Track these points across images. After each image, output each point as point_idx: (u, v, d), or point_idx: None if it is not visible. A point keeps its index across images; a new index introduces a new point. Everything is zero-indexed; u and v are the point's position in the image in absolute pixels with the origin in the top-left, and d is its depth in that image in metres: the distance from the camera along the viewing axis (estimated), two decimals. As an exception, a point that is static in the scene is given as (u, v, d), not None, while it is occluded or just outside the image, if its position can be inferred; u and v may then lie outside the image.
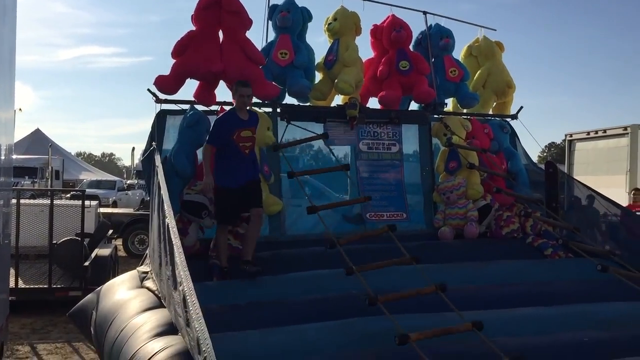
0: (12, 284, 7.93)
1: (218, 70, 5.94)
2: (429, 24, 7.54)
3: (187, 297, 3.47)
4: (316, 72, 6.99)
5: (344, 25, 6.84)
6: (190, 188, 5.73)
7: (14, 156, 7.39)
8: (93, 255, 9.03)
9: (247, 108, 5.54)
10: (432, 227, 6.89)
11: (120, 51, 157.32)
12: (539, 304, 5.05)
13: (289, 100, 6.83)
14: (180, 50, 6.00)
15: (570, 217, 7.01)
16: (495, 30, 8.00)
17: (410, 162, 7.22)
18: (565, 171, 14.56)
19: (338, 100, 7.22)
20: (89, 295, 6.31)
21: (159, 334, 4.21)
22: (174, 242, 3.98)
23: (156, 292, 5.09)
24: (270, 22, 6.81)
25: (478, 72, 7.82)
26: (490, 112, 7.88)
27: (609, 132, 14.72)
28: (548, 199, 6.83)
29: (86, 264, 8.55)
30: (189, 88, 6.19)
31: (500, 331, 4.40)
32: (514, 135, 7.63)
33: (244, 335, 4.19)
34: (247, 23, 6.18)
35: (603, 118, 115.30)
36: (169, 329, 4.25)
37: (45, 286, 8.59)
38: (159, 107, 6.15)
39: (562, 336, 4.48)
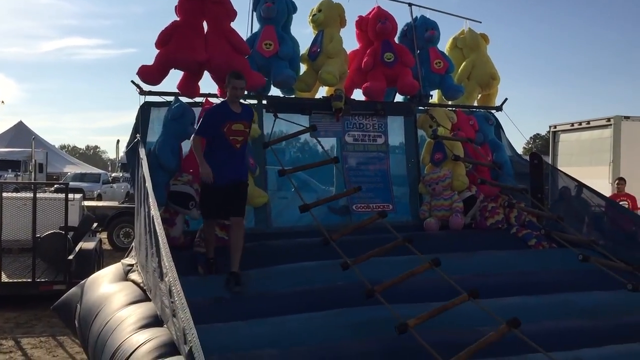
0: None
1: (203, 60, 5.90)
2: (414, 16, 7.55)
3: (173, 287, 3.47)
4: (300, 64, 6.97)
5: (328, 17, 6.83)
6: (177, 179, 5.70)
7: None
8: (77, 248, 8.97)
9: (240, 101, 5.40)
10: (418, 219, 6.92)
11: (104, 43, 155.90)
12: (523, 293, 5.11)
13: (273, 91, 6.82)
14: (164, 40, 5.95)
15: (556, 208, 7.06)
16: (480, 22, 8.04)
17: (396, 154, 7.23)
18: (550, 162, 14.69)
19: (323, 91, 7.23)
20: (73, 289, 6.27)
21: (143, 327, 4.20)
22: (159, 234, 3.97)
23: (141, 284, 5.07)
24: (254, 13, 6.77)
25: (463, 64, 7.84)
26: (475, 104, 7.92)
27: (592, 124, 14.86)
28: (533, 189, 6.88)
29: (70, 257, 8.50)
30: (173, 80, 6.15)
31: (485, 321, 4.44)
32: (498, 126, 7.68)
33: (229, 326, 4.19)
34: (232, 13, 6.15)
35: (587, 110, 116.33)
36: (153, 322, 4.24)
37: (29, 280, 8.53)
38: (143, 99, 6.10)
39: (545, 325, 4.53)
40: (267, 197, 6.26)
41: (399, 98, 7.57)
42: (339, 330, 4.22)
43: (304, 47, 6.96)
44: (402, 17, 7.43)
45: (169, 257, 3.70)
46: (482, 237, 6.61)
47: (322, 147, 6.49)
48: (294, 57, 6.78)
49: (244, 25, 6.77)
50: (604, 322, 4.70)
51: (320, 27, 6.88)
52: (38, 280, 8.54)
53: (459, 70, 7.80)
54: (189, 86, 6.19)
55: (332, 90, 6.85)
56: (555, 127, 16.12)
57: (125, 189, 24.11)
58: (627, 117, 14.21)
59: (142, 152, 5.41)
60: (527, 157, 7.72)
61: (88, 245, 9.46)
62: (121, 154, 30.01)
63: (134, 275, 5.37)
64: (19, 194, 11.15)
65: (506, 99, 7.76)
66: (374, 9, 7.22)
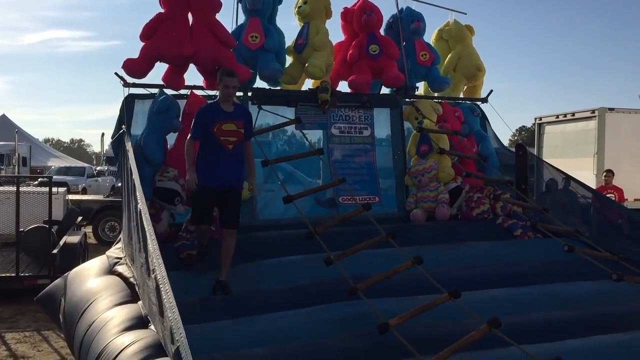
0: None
1: (189, 54, 5.85)
2: (399, 8, 7.53)
3: (161, 286, 3.44)
4: (286, 56, 6.94)
5: (314, 9, 6.79)
6: (163, 175, 5.65)
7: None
8: (62, 242, 8.91)
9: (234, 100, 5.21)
10: (404, 211, 6.94)
11: (88, 35, 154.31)
12: (509, 284, 5.15)
13: (259, 84, 6.77)
14: (149, 33, 5.89)
15: (542, 200, 7.11)
16: (466, 14, 8.04)
17: (382, 146, 7.24)
18: (535, 154, 14.78)
19: (309, 84, 7.20)
20: (57, 281, 6.23)
21: (128, 329, 4.15)
22: (146, 229, 3.93)
23: (131, 279, 5.02)
24: (239, 5, 6.72)
25: (449, 56, 7.85)
26: (461, 96, 7.93)
27: (577, 116, 14.96)
28: (518, 181, 6.91)
29: (55, 251, 8.43)
30: (158, 72, 6.10)
31: (468, 315, 4.47)
32: (484, 118, 7.70)
33: (216, 325, 4.17)
34: (217, 5, 6.10)
35: (574, 102, 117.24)
36: (137, 323, 4.20)
37: (13, 274, 8.46)
38: (127, 91, 6.04)
39: (530, 316, 4.56)
40: (253, 191, 6.22)
41: (385, 90, 7.56)
42: (326, 326, 4.22)
43: (289, 40, 6.94)
44: (387, 9, 7.43)
45: (157, 254, 3.67)
46: (468, 227, 6.64)
47: (307, 140, 6.45)
48: (280, 50, 6.74)
49: (229, 17, 6.72)
50: (589, 313, 4.74)
51: (306, 19, 6.84)
52: (22, 274, 8.47)
53: (445, 62, 7.80)
54: (174, 78, 6.14)
55: (318, 83, 6.82)
56: (540, 119, 16.22)
57: (111, 183, 23.94)
58: (611, 109, 14.33)
59: (129, 145, 5.35)
60: (513, 149, 7.75)
61: (73, 239, 9.39)
62: (106, 147, 29.89)
63: (121, 269, 5.32)
64: (2, 188, 11.06)
65: (491, 91, 7.79)
66: (359, 0, 7.19)
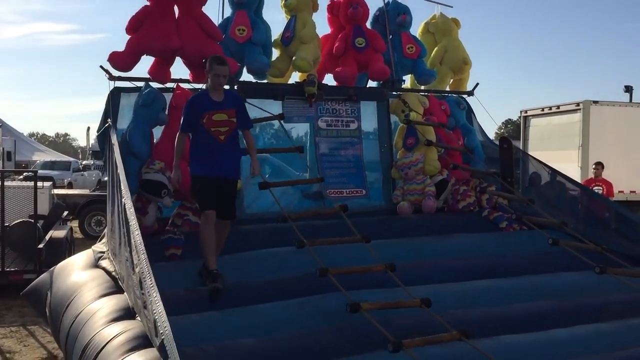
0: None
1: (176, 47, 5.82)
2: (386, 1, 7.53)
3: (144, 280, 3.44)
4: (273, 49, 6.92)
5: (301, 2, 6.76)
6: (149, 167, 5.63)
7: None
8: (47, 237, 8.86)
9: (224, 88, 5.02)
10: (391, 203, 6.97)
11: (74, 28, 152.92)
12: (494, 276, 5.21)
13: (246, 77, 6.76)
14: (135, 25, 5.85)
15: (527, 194, 7.17)
16: (452, 7, 8.04)
17: (369, 139, 7.25)
18: (521, 147, 14.89)
19: (295, 77, 7.19)
20: (43, 275, 6.21)
21: (115, 320, 4.15)
22: (131, 224, 3.93)
23: (113, 273, 5.01)
24: (226, -2, 6.69)
25: (435, 49, 7.87)
26: (447, 89, 7.96)
27: (562, 108, 15.11)
28: (503, 173, 6.97)
29: (40, 246, 8.39)
30: (143, 65, 6.07)
31: (456, 304, 4.53)
32: (470, 111, 7.74)
33: (203, 317, 4.17)
34: (203, -2, 6.06)
35: (559, 94, 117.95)
36: (125, 314, 4.19)
37: (-1, 269, 8.39)
38: (112, 84, 6.01)
39: (515, 307, 4.62)
40: (240, 183, 6.22)
41: (372, 83, 7.58)
42: (313, 318, 4.24)
43: (276, 33, 6.91)
44: (374, 2, 7.42)
45: (141, 248, 3.67)
46: (455, 220, 6.69)
47: (289, 136, 6.32)
48: (267, 43, 6.72)
49: (215, 10, 6.68)
50: (572, 304, 4.81)
51: (293, 12, 6.82)
52: (7, 269, 8.43)
53: (432, 55, 7.82)
54: (160, 71, 6.10)
55: (305, 76, 6.82)
56: (526, 112, 16.34)
57: (97, 177, 23.77)
58: (595, 102, 14.48)
59: (114, 138, 5.33)
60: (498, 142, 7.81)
61: (58, 233, 9.34)
62: (92, 141, 29.67)
63: (104, 263, 5.31)
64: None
65: (477, 84, 7.83)
66: (346, -7, 7.17)
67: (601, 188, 9.37)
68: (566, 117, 14.92)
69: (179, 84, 6.15)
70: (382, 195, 7.14)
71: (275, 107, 6.63)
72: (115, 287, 4.85)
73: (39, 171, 17.40)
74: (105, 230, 6.05)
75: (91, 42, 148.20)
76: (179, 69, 6.22)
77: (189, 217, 5.65)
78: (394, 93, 7.34)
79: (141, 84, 6.00)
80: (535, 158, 7.54)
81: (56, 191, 13.57)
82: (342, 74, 6.96)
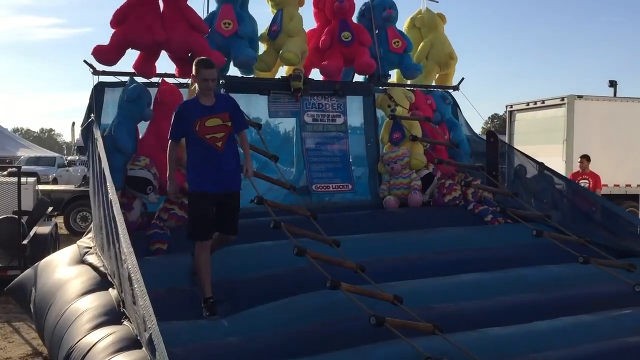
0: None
1: (161, 40, 5.78)
2: (372, -5, 7.53)
3: (132, 275, 3.44)
4: (260, 43, 6.91)
5: (287, -5, 6.76)
6: (134, 163, 5.60)
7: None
8: (32, 233, 8.79)
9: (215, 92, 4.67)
10: (377, 198, 7.00)
11: (58, 22, 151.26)
12: (479, 269, 5.25)
13: (232, 71, 6.74)
14: (120, 19, 5.81)
15: (513, 187, 7.22)
16: (438, 2, 8.07)
17: (355, 134, 7.27)
18: (507, 141, 14.98)
19: (282, 72, 7.18)
20: (27, 271, 6.19)
21: (100, 325, 4.11)
22: (117, 219, 3.91)
23: (101, 268, 4.98)
24: (211, -8, 6.65)
25: (421, 44, 7.89)
26: (433, 84, 7.99)
27: (547, 103, 15.21)
28: (488, 167, 7.01)
29: (25, 242, 8.32)
30: (128, 60, 6.02)
31: (441, 298, 4.56)
32: (455, 106, 7.78)
33: (189, 314, 4.17)
34: (188, -9, 6.03)
35: (545, 88, 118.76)
36: (110, 318, 4.16)
37: (-18, 266, 8.31)
38: (96, 79, 5.96)
39: (499, 300, 4.67)
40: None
41: (358, 78, 7.59)
42: (300, 315, 4.25)
43: (262, 27, 6.90)
44: (360, -4, 7.42)
45: (128, 243, 3.66)
46: (440, 213, 6.74)
47: (264, 144, 6.07)
48: (253, 36, 6.71)
49: (200, 3, 6.65)
50: (556, 295, 4.87)
51: (279, 6, 6.81)
52: (-9, 266, 8.33)
53: (418, 49, 7.84)
54: (145, 66, 6.07)
55: (292, 70, 6.81)
56: (511, 106, 16.44)
57: (82, 173, 23.56)
58: (580, 96, 14.59)
59: (97, 133, 5.29)
60: (485, 136, 7.85)
61: (43, 229, 9.27)
62: (77, 136, 29.34)
63: (91, 258, 5.28)
64: (-31, 179, 10.81)
65: (463, 79, 7.87)
66: (332, -13, 7.16)
67: (588, 181, 9.41)
68: (551, 112, 15.02)
69: (165, 78, 6.12)
70: (368, 189, 7.17)
71: (261, 102, 6.63)
72: (101, 283, 4.82)
73: (24, 167, 17.25)
74: (92, 226, 6.02)
75: (76, 36, 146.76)
76: (165, 64, 6.20)
77: (175, 211, 5.63)
78: (380, 88, 7.36)
79: (126, 78, 5.96)
80: (521, 152, 7.60)
81: (41, 187, 13.42)
82: (328, 67, 6.96)
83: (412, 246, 5.69)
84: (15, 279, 6.29)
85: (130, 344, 3.65)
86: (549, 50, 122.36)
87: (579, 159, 9.87)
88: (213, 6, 6.63)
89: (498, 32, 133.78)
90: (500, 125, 46.66)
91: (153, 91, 5.91)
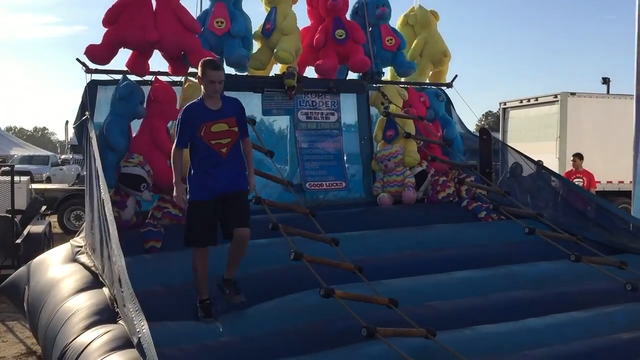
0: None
1: (153, 40, 5.77)
2: (365, -7, 7.53)
3: (121, 277, 3.43)
4: (254, 42, 6.90)
5: (280, -7, 6.75)
6: (128, 160, 5.59)
7: None
8: (25, 232, 8.75)
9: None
10: (371, 195, 7.01)
11: (52, 20, 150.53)
12: (473, 266, 5.27)
13: (226, 70, 6.70)
14: (113, 18, 5.79)
15: (509, 184, 7.25)
16: None
17: (349, 132, 7.28)
18: (500, 139, 15.02)
19: (276, 70, 7.18)
20: (20, 269, 6.17)
21: (94, 324, 4.10)
22: (109, 220, 3.91)
23: (92, 267, 4.98)
24: (205, -10, 6.64)
25: (415, 42, 7.90)
26: (427, 81, 8.00)
27: (540, 100, 15.25)
28: (481, 164, 7.04)
29: (18, 241, 8.29)
30: (121, 58, 6.01)
31: (435, 295, 4.57)
32: (449, 103, 7.79)
33: (182, 314, 4.16)
34: (181, -10, 6.02)
35: (537, 86, 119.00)
36: (103, 317, 4.15)
37: (-25, 265, 8.27)
38: (89, 77, 5.95)
39: (492, 298, 4.68)
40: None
41: (352, 75, 7.59)
42: (294, 315, 4.25)
43: (256, 25, 6.89)
44: (353, -6, 7.41)
45: (118, 245, 3.65)
46: (434, 210, 6.75)
47: (260, 140, 6.07)
48: (247, 35, 6.70)
49: (193, 2, 6.64)
50: (548, 292, 4.89)
51: (272, 4, 6.81)
52: (-15, 265, 8.29)
53: (412, 47, 7.85)
54: (138, 64, 6.06)
55: (285, 68, 6.81)
56: (505, 104, 16.48)
57: (76, 171, 23.53)
58: (573, 94, 14.64)
59: (92, 130, 5.27)
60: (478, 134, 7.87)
61: (37, 228, 9.23)
62: (70, 135, 29.29)
63: (83, 258, 5.27)
64: (-38, 178, 10.76)
65: (456, 76, 7.87)
66: (325, -15, 7.16)
67: (582, 180, 9.43)
68: (544, 109, 15.07)
69: (158, 76, 6.10)
70: (362, 187, 7.18)
71: (255, 100, 6.62)
72: (94, 281, 4.81)
73: (17, 165, 17.18)
74: (84, 225, 6.02)
75: (70, 34, 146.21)
76: (158, 62, 6.18)
77: (169, 209, 5.64)
78: (373, 85, 7.36)
79: (119, 76, 5.95)
80: (514, 149, 7.62)
81: (35, 186, 13.38)
82: (323, 66, 6.96)
83: (405, 243, 5.70)
84: (8, 278, 6.28)
85: (124, 343, 3.64)
86: (542, 47, 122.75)
87: (572, 158, 9.89)
88: (207, 4, 6.62)
89: (491, 30, 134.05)
90: (494, 122, 46.80)
91: (147, 89, 5.89)
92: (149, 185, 5.55)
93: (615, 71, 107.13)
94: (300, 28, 7.05)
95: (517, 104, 15.99)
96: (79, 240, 5.75)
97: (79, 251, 5.45)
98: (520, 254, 5.60)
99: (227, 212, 4.22)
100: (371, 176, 7.17)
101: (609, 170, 13.88)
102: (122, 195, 5.52)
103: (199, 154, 4.24)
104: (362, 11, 7.44)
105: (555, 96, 14.69)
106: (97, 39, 5.79)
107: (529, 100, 15.61)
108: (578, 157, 9.73)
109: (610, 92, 19.08)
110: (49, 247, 9.04)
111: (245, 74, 6.84)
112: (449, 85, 7.85)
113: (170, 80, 6.21)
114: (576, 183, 9.03)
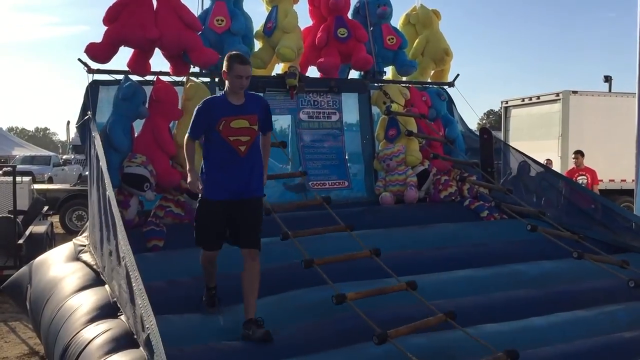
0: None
1: (154, 37, 5.76)
2: (366, -8, 7.52)
3: (130, 273, 3.43)
4: (255, 41, 6.91)
5: (281, -8, 6.75)
6: (131, 160, 5.60)
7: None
8: (27, 232, 8.78)
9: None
10: (373, 195, 7.01)
11: (53, 20, 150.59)
12: (475, 265, 5.26)
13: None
14: (113, 16, 5.79)
15: (514, 182, 7.23)
16: None
17: (351, 131, 7.28)
18: (502, 137, 15.02)
19: (278, 69, 7.18)
20: (23, 268, 6.18)
21: (96, 318, 4.10)
22: (115, 216, 3.90)
23: (94, 266, 4.99)
24: (205, -11, 6.64)
25: (416, 40, 7.89)
26: (428, 80, 7.99)
27: (542, 99, 15.23)
28: (483, 163, 7.03)
29: (20, 241, 8.31)
30: (122, 58, 6.01)
31: (437, 294, 4.56)
32: (450, 102, 7.78)
33: (184, 317, 4.15)
34: (181, -12, 6.01)
35: (539, 84, 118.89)
36: (105, 312, 4.15)
37: (-22, 266, 8.28)
38: (91, 77, 5.96)
39: (495, 297, 4.67)
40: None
41: (353, 75, 7.58)
42: (295, 313, 4.24)
43: (257, 24, 6.90)
44: (354, -7, 7.40)
45: (125, 241, 3.64)
46: (436, 209, 6.75)
47: (275, 137, 6.18)
48: (247, 33, 6.70)
49: (194, 1, 6.65)
50: (550, 291, 4.87)
51: (274, 2, 6.81)
52: (-13, 266, 8.30)
53: (414, 46, 7.85)
54: (139, 64, 6.06)
55: (287, 68, 6.81)
56: (506, 102, 16.46)
57: (77, 172, 23.56)
58: (575, 92, 14.61)
59: (95, 130, 5.28)
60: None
61: (39, 228, 9.26)
62: (72, 135, 29.31)
63: (85, 256, 5.28)
64: (-36, 178, 10.78)
65: (458, 75, 7.86)
66: (326, -16, 7.16)
67: (585, 177, 9.40)
68: (546, 107, 15.05)
69: (160, 76, 6.10)
70: (364, 186, 7.18)
71: (256, 99, 6.60)
72: (97, 279, 4.82)
73: (19, 166, 17.21)
74: (87, 224, 6.02)
75: (71, 34, 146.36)
76: (160, 62, 6.18)
77: (171, 208, 5.67)
78: (375, 84, 7.36)
79: (120, 77, 5.95)
80: (515, 149, 7.61)
81: (36, 186, 13.42)
82: (325, 65, 6.96)
83: (408, 242, 5.69)
84: (11, 277, 6.29)
85: (126, 342, 3.64)
86: (543, 46, 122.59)
87: (574, 155, 9.87)
88: (207, 3, 6.62)
89: (493, 28, 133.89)
90: (495, 121, 46.72)
91: (148, 89, 5.90)
92: (152, 185, 5.57)
93: (617, 69, 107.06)
94: (302, 28, 7.06)
95: (519, 102, 15.97)
96: (82, 239, 5.76)
97: (82, 250, 5.46)
98: (523, 253, 5.58)
99: (238, 221, 4.01)
100: (373, 175, 7.17)
101: (611, 168, 13.87)
102: (125, 195, 5.53)
103: (215, 149, 4.02)
104: (364, 10, 7.43)
105: (557, 94, 14.67)
106: (99, 39, 5.79)
107: (530, 98, 15.59)
108: (580, 154, 9.71)
109: (612, 91, 19.01)
110: (51, 248, 9.03)
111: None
112: (451, 84, 7.84)
113: (172, 80, 6.22)
114: (579, 181, 9.03)
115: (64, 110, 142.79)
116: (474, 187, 6.94)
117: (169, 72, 6.23)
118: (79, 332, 4.02)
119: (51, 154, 32.12)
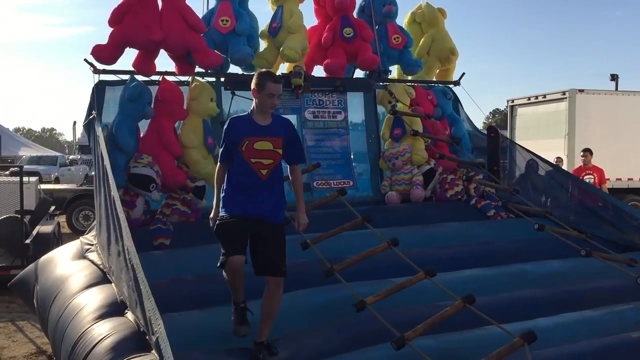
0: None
1: (158, 39, 5.78)
2: (372, -9, 7.51)
3: (138, 275, 3.43)
4: (261, 40, 6.91)
5: (286, -8, 6.74)
6: (137, 161, 5.62)
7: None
8: (35, 232, 8.81)
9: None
10: (379, 194, 7.00)
11: (59, 21, 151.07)
12: (482, 264, 5.24)
13: (233, 69, 6.74)
14: (118, 17, 5.81)
15: (522, 180, 7.20)
16: None
17: (356, 130, 7.27)
18: (508, 136, 14.97)
19: (283, 68, 7.18)
20: (29, 266, 6.22)
21: (103, 316, 4.11)
22: (120, 218, 3.91)
23: (100, 265, 5.00)
24: (211, -11, 6.64)
25: (422, 39, 7.87)
26: (434, 79, 7.97)
27: (548, 97, 15.17)
28: (489, 162, 7.00)
29: (27, 241, 8.34)
30: (128, 58, 6.02)
31: (444, 296, 4.54)
32: (456, 101, 7.76)
33: (191, 317, 4.14)
34: (187, -11, 6.02)
35: (545, 83, 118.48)
36: (112, 310, 4.16)
37: (-15, 266, 8.33)
38: (97, 77, 5.97)
39: (501, 296, 4.66)
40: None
41: (358, 74, 7.57)
42: (304, 313, 4.23)
43: (263, 24, 6.89)
44: (359, -8, 7.39)
45: (130, 242, 3.65)
46: (443, 208, 6.74)
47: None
48: (252, 33, 6.70)
49: (199, 2, 6.65)
50: (557, 291, 4.85)
51: (279, 2, 6.81)
52: (-5, 265, 8.35)
53: (419, 45, 7.83)
54: (144, 64, 6.07)
55: (292, 67, 6.81)
56: (512, 101, 16.41)
57: (84, 172, 23.63)
58: (581, 90, 14.55)
59: (99, 131, 5.30)
60: (486, 131, 7.82)
61: (46, 228, 9.29)
62: (78, 135, 29.43)
63: (92, 255, 5.30)
64: (-28, 179, 10.84)
65: (463, 74, 7.84)
66: (332, -17, 7.14)
67: (593, 176, 9.34)
68: (552, 106, 14.99)
69: (165, 77, 6.11)
70: (370, 185, 7.17)
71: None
72: (101, 277, 4.84)
73: (26, 166, 17.28)
74: (94, 223, 6.04)
75: (77, 34, 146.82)
76: (165, 62, 6.20)
77: (178, 206, 5.69)
78: (380, 84, 7.35)
79: (126, 77, 5.97)
80: (522, 147, 7.57)
81: (43, 186, 13.47)
82: (331, 65, 6.95)
83: (414, 241, 5.66)
84: (18, 275, 6.34)
85: (134, 343, 3.61)
86: (550, 44, 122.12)
87: (582, 153, 9.74)
88: (212, 3, 6.63)
89: (499, 27, 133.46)
90: (501, 120, 46.60)
91: (154, 89, 5.92)
92: (158, 186, 5.58)
93: (623, 68, 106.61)
94: (308, 27, 7.05)
95: (525, 101, 15.92)
96: (89, 238, 5.78)
97: (89, 249, 5.48)
98: (529, 252, 5.57)
99: (260, 248, 3.81)
100: (379, 175, 7.16)
101: (617, 167, 13.80)
102: (131, 195, 5.55)
103: (237, 170, 3.82)
104: (369, 9, 7.43)
105: (564, 93, 14.61)
106: (105, 40, 5.81)
107: (537, 97, 15.54)
108: (588, 152, 9.59)
109: (618, 89, 18.91)
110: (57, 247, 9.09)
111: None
112: (457, 83, 7.81)
113: (177, 80, 6.23)
114: (587, 179, 8.96)
115: (70, 111, 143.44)
116: (481, 185, 6.91)
117: (174, 72, 6.24)
118: (86, 330, 4.02)
119: (58, 154, 32.23)
